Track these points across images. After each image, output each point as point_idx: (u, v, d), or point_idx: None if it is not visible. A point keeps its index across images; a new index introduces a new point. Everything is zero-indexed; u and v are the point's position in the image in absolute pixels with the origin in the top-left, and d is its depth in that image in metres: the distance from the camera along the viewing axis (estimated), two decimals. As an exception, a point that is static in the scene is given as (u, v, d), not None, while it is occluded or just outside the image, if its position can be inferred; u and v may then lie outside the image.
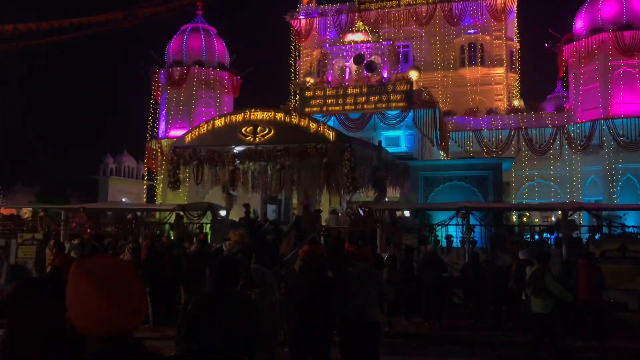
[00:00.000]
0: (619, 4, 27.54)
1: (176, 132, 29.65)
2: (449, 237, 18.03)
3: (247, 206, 19.61)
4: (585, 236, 17.95)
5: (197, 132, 17.73)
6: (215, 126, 17.27)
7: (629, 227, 18.06)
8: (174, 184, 18.40)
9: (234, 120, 17.08)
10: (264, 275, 6.93)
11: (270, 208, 22.58)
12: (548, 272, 8.70)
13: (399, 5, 34.89)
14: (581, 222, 21.37)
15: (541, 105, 31.04)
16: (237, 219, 20.14)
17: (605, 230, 17.78)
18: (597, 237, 16.46)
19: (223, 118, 17.45)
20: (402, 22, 34.73)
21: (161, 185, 32.24)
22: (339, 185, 17.37)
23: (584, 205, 18.94)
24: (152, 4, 21.42)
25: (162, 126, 33.38)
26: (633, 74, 26.80)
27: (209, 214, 20.11)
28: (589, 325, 10.87)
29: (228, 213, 20.07)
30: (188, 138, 17.94)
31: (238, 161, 17.60)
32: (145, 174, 37.39)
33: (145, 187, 38.03)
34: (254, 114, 16.76)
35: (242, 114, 17.04)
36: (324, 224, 18.06)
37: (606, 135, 26.53)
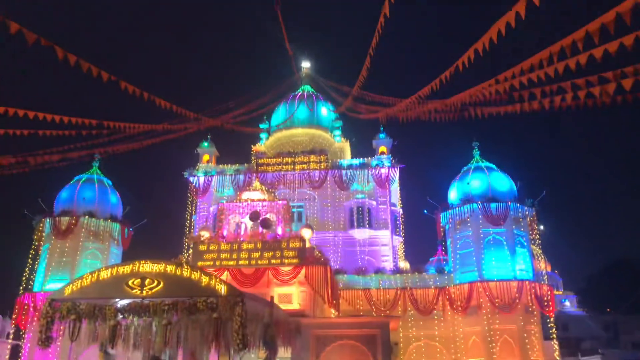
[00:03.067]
0: (484, 180, 31.49)
1: (54, 285, 27.60)
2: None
3: None
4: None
5: (79, 284, 16.63)
6: (101, 278, 16.34)
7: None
8: (45, 341, 16.65)
9: (121, 272, 16.30)
10: None
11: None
12: None
13: (294, 169, 37.43)
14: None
15: (424, 266, 33.06)
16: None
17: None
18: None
19: (110, 269, 16.62)
20: (296, 184, 37.00)
21: (29, 344, 28.97)
22: (229, 343, 16.70)
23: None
24: (47, 152, 21.26)
25: (40, 279, 30.98)
26: (501, 241, 29.79)
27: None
28: None
29: (104, 374, 18.31)
30: (68, 290, 16.73)
31: (121, 316, 16.55)
32: (12, 331, 33.49)
33: (9, 347, 33.86)
34: (142, 266, 16.18)
35: (131, 265, 16.36)
36: None
37: (483, 297, 28.40)
